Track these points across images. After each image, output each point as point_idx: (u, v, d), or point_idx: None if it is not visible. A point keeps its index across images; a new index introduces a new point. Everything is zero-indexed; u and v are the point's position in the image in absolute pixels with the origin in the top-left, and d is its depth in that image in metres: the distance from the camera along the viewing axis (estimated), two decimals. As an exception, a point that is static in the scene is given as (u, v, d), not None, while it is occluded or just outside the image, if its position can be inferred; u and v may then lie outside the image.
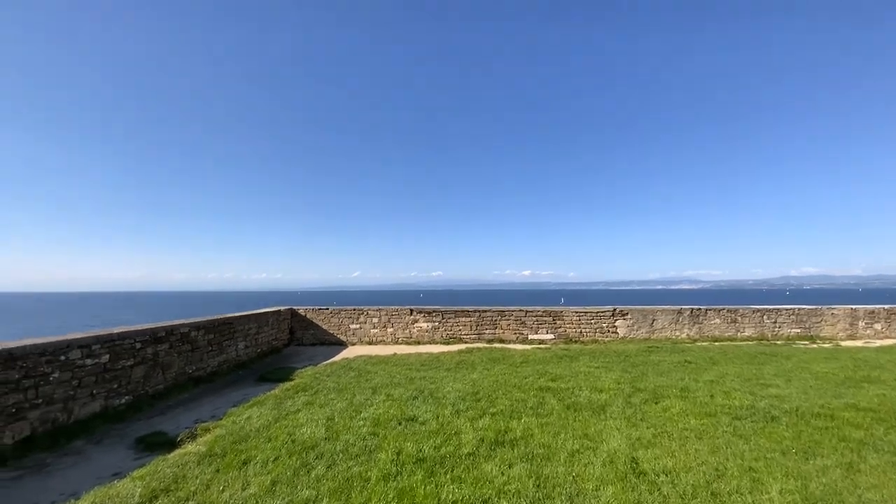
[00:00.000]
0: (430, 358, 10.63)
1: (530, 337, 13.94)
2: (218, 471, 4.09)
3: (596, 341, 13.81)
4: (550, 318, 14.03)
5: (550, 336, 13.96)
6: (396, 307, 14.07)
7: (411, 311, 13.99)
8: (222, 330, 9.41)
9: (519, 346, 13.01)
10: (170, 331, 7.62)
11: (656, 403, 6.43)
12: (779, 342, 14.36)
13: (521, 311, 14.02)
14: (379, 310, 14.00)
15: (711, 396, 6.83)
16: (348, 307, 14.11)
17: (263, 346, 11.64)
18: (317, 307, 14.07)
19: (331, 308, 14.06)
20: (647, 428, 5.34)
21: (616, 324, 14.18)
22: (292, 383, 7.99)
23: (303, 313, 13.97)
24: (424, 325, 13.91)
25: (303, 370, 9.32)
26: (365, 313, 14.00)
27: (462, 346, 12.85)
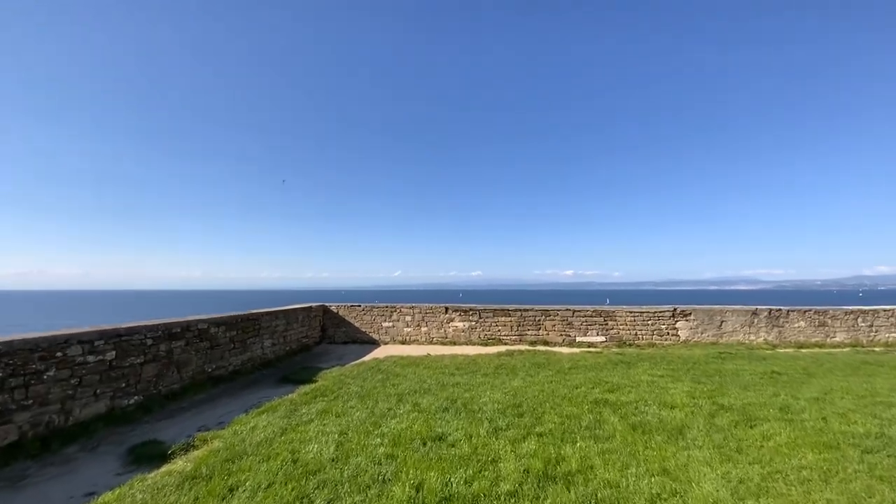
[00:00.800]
0: (465, 361, 9.63)
1: (578, 339, 12.57)
2: (196, 500, 3.31)
3: (653, 345, 12.20)
4: (601, 319, 12.58)
5: (601, 338, 12.51)
6: (431, 305, 13.19)
7: (446, 309, 13.05)
8: (246, 327, 8.92)
9: (566, 350, 11.70)
10: (186, 327, 7.14)
11: (751, 427, 5.04)
12: (877, 349, 12.08)
13: (567, 310, 12.68)
14: (412, 307, 13.18)
15: (824, 420, 5.32)
16: (380, 304, 13.41)
17: (293, 343, 11.15)
18: (349, 304, 13.48)
19: (363, 305, 13.42)
20: (750, 464, 4.03)
21: (677, 325, 12.48)
22: (314, 386, 7.28)
23: (335, 310, 13.43)
24: (460, 324, 12.93)
25: (328, 371, 8.63)
26: (398, 311, 13.23)
27: (501, 349, 11.74)
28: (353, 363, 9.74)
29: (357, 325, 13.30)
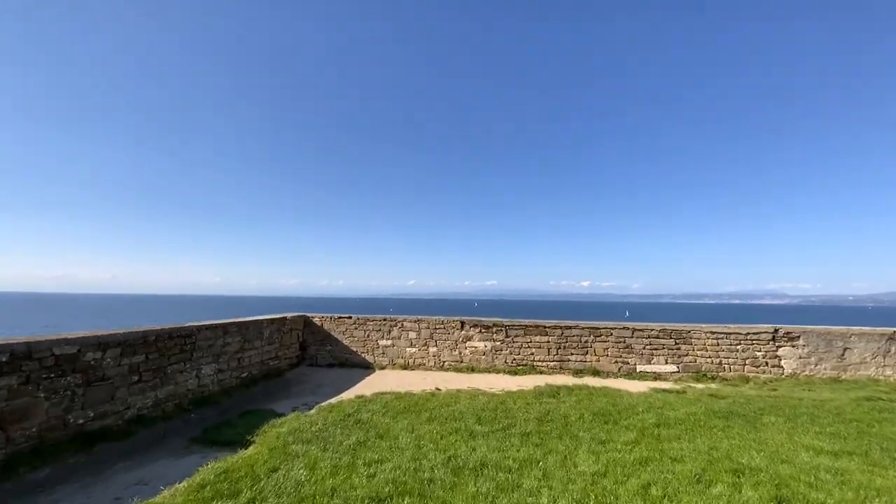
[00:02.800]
0: (490, 404, 6.50)
1: (640, 368, 9.29)
2: None
3: (747, 379, 8.83)
4: (671, 342, 9.28)
5: (671, 368, 9.21)
6: (442, 318, 10.09)
7: (462, 324, 9.94)
8: (166, 348, 6.00)
9: (627, 385, 8.46)
10: (28, 351, 4.24)
11: None
12: None
13: (624, 328, 9.44)
14: (418, 321, 10.12)
15: None
16: (377, 316, 10.38)
17: (253, 368, 8.20)
18: (338, 315, 10.50)
19: (355, 317, 10.42)
20: None
21: (779, 352, 9.09)
22: (233, 461, 4.23)
23: (318, 323, 10.47)
24: (480, 344, 9.80)
25: (280, 422, 5.57)
26: (399, 325, 10.18)
27: (538, 380, 8.56)
28: (326, 403, 6.70)
29: (346, 342, 10.30)
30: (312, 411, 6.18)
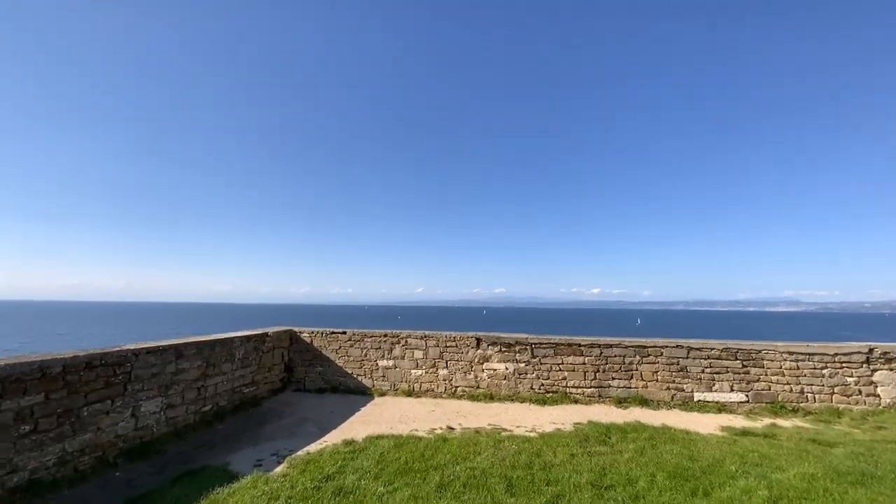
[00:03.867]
0: (522, 453, 4.81)
1: (698, 396, 7.51)
2: None
3: (838, 412, 6.99)
4: (737, 364, 7.49)
5: (738, 396, 7.41)
6: (453, 334, 8.41)
7: (478, 341, 8.25)
8: (82, 382, 4.41)
9: (686, 418, 6.72)
10: None
11: None
12: None
13: (678, 346, 7.67)
14: (425, 337, 8.45)
15: None
16: (376, 332, 8.72)
17: (220, 399, 6.59)
18: (330, 330, 8.86)
19: (350, 332, 8.77)
20: None
21: (874, 377, 7.25)
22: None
23: (307, 339, 8.85)
24: (501, 366, 8.09)
25: (225, 495, 3.93)
26: (403, 342, 8.52)
27: (574, 413, 6.84)
28: (302, 453, 5.04)
29: (340, 362, 8.66)
30: (280, 469, 4.52)
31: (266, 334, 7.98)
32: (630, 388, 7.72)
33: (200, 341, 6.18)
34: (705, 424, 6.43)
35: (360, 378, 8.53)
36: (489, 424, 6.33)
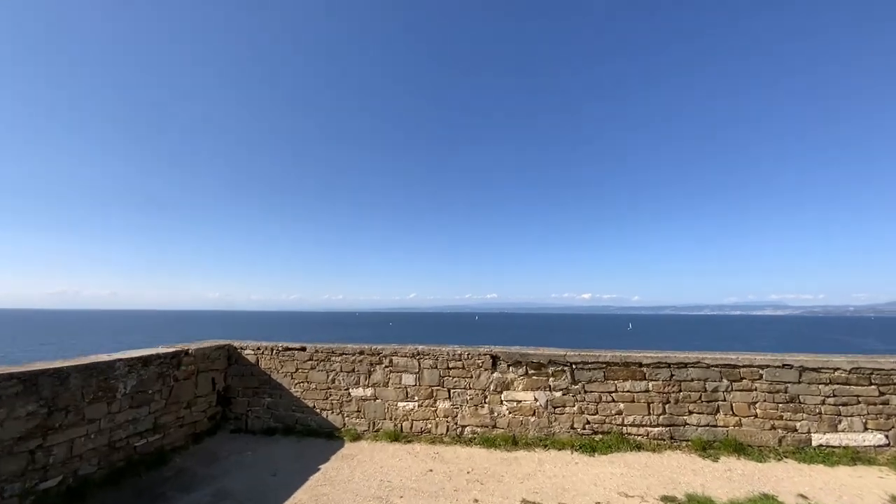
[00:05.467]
0: None
1: (818, 438, 5.13)
2: None
3: None
4: (873, 390, 5.14)
5: (876, 438, 5.05)
6: (459, 349, 5.89)
7: (494, 360, 5.76)
8: None
9: (818, 477, 4.35)
10: None
11: None
12: None
13: (783, 365, 5.29)
14: (418, 354, 5.92)
15: None
16: (349, 347, 6.15)
17: (85, 463, 4.01)
18: (283, 346, 6.28)
19: (311, 349, 6.19)
20: None
21: None
22: None
23: (251, 357, 6.28)
24: (527, 395, 5.62)
25: None
26: (386, 362, 5.99)
27: (646, 472, 4.42)
28: None
29: (297, 391, 6.10)
30: None
31: (185, 353, 5.41)
32: (716, 426, 5.32)
33: (33, 371, 3.61)
34: (859, 492, 4.07)
35: (324, 413, 5.98)
36: (524, 501, 3.88)
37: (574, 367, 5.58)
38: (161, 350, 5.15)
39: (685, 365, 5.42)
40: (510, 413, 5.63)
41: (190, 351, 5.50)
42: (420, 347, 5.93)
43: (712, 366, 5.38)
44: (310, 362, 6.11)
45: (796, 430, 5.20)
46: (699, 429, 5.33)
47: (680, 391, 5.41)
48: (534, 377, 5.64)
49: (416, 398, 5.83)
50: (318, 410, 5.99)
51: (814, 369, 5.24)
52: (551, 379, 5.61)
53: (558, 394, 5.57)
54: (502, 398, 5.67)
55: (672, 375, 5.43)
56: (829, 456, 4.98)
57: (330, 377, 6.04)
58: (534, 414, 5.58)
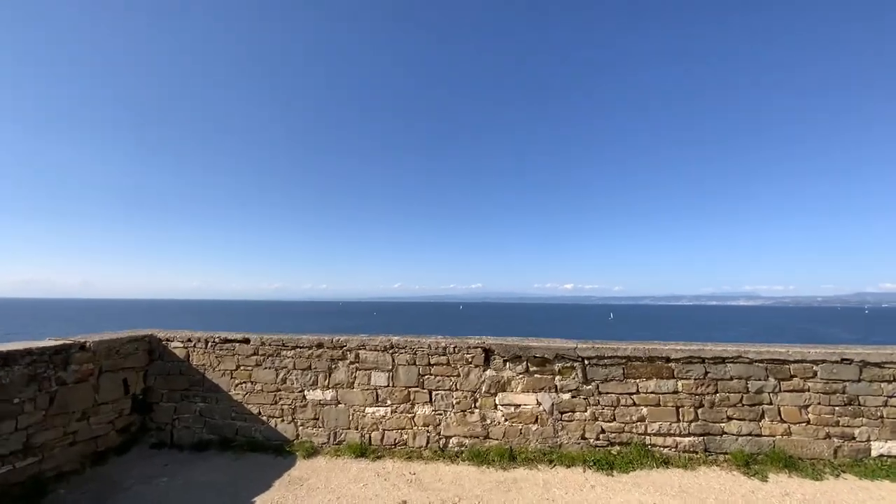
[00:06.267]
0: None
1: (879, 449, 4.18)
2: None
3: None
4: (949, 389, 4.20)
5: (951, 448, 4.12)
6: (443, 341, 4.69)
7: (486, 353, 4.60)
8: None
9: (873, 492, 3.35)
10: None
11: None
12: None
13: (841, 359, 4.29)
14: (392, 349, 4.69)
15: None
16: (303, 338, 4.86)
17: None
18: (221, 337, 4.94)
19: (256, 340, 4.89)
20: None
21: None
22: None
23: (179, 352, 4.94)
24: (527, 398, 4.49)
25: None
26: (351, 357, 4.75)
27: (681, 494, 3.35)
28: None
29: (238, 394, 4.82)
30: None
31: (77, 347, 4.05)
32: (760, 435, 4.30)
33: None
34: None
35: (273, 422, 4.73)
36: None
37: (587, 362, 4.47)
38: (37, 344, 3.79)
39: (723, 360, 4.37)
40: (506, 420, 4.49)
41: (87, 345, 4.14)
42: (394, 339, 4.71)
43: (756, 361, 4.34)
44: (255, 357, 4.83)
45: (854, 438, 4.23)
46: (740, 439, 4.31)
47: (716, 392, 4.36)
48: (536, 376, 4.51)
49: (389, 402, 4.63)
50: (264, 418, 4.74)
51: (876, 364, 4.26)
52: (558, 378, 4.49)
53: (567, 396, 4.46)
54: (497, 402, 4.52)
55: (707, 373, 4.38)
56: (892, 468, 4.03)
57: (280, 376, 4.78)
58: (536, 421, 4.46)
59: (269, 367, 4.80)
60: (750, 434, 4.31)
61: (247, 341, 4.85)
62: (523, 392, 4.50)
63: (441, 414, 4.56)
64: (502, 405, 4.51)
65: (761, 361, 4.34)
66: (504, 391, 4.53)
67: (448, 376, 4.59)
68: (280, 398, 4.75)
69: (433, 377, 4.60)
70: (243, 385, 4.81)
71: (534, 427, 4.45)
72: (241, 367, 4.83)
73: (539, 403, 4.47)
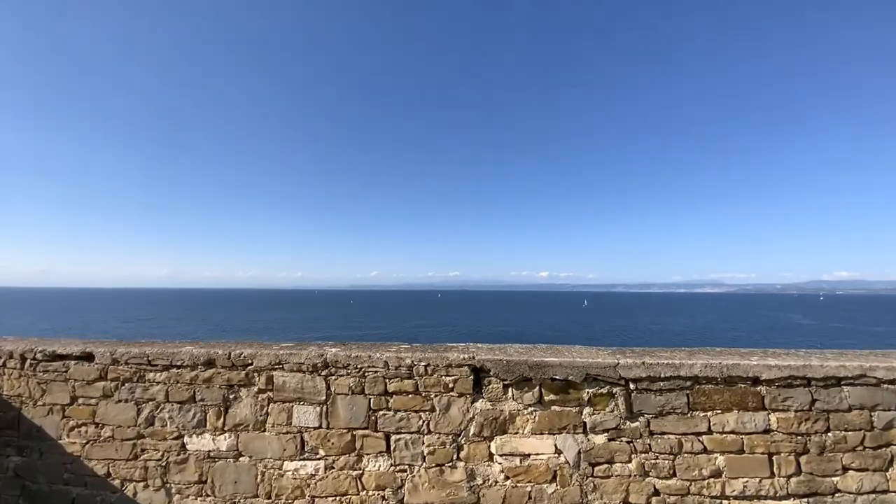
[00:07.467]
0: None
1: None
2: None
3: None
4: None
5: None
6: (407, 355, 2.99)
7: (476, 373, 2.92)
8: None
9: None
10: None
11: None
12: None
13: None
14: (326, 368, 2.95)
15: None
16: (186, 352, 3.07)
17: None
18: (48, 350, 3.10)
19: (105, 353, 3.05)
20: None
21: None
22: None
23: (-19, 376, 3.07)
24: (539, 443, 2.86)
25: None
26: (261, 381, 2.98)
27: None
28: None
29: (73, 442, 2.98)
30: None
31: None
32: (886, 491, 2.83)
33: None
34: None
35: (130, 489, 2.93)
36: None
37: (632, 386, 2.86)
38: None
39: (837, 382, 2.85)
40: (508, 479, 2.85)
41: None
42: (331, 352, 2.95)
43: (886, 382, 2.84)
44: (102, 384, 2.98)
45: None
46: (859, 498, 2.83)
47: (827, 430, 2.85)
48: (555, 408, 2.87)
49: (322, 453, 2.90)
50: (116, 482, 2.92)
51: None
52: (587, 410, 2.87)
53: (601, 439, 2.84)
54: (493, 450, 2.87)
55: (813, 401, 2.85)
56: None
57: (144, 414, 2.96)
58: (554, 480, 2.84)
59: (127, 400, 2.96)
60: (873, 491, 2.84)
61: (89, 357, 2.99)
62: (534, 434, 2.86)
63: (405, 471, 2.87)
64: (502, 455, 2.86)
65: (892, 382, 2.85)
66: (504, 433, 2.87)
67: (416, 411, 2.88)
68: (144, 449, 2.94)
69: (392, 413, 2.88)
70: (83, 429, 2.97)
71: (550, 489, 2.83)
72: (81, 401, 2.98)
73: (559, 452, 2.84)
